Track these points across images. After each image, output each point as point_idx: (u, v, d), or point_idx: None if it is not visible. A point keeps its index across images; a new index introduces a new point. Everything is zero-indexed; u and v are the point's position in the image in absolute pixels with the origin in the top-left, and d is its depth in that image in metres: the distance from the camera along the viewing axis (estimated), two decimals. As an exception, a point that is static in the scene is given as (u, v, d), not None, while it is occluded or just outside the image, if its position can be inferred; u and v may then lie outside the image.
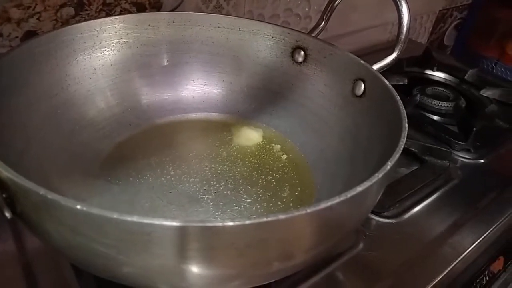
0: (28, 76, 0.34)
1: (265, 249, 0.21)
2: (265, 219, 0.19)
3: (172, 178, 0.38)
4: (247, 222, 0.19)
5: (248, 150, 0.43)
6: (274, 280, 0.27)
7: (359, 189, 0.22)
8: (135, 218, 0.18)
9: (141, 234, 0.19)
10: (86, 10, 0.44)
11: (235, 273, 0.23)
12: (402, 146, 0.26)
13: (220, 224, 0.19)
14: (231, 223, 0.19)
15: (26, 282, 0.32)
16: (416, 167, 0.48)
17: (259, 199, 0.38)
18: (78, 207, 0.18)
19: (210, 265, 0.21)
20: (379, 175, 0.23)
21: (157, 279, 0.23)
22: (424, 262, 0.37)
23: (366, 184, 0.22)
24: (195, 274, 0.22)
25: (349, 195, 0.21)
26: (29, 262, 0.34)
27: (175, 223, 0.18)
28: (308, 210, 0.20)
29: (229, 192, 0.38)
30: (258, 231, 0.20)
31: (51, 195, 0.19)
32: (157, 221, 0.18)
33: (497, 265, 0.46)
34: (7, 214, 0.22)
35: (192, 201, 0.36)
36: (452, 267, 0.38)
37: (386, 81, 0.35)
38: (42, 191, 0.19)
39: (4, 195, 0.21)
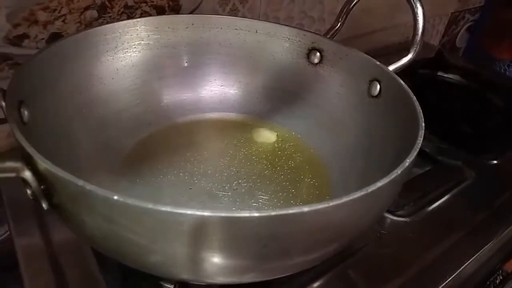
0: (55, 76, 0.35)
1: (287, 241, 0.22)
2: (290, 211, 0.20)
3: (192, 176, 0.40)
4: (273, 213, 0.20)
5: (265, 149, 0.44)
6: (293, 272, 0.28)
7: (379, 184, 0.23)
8: (168, 208, 0.19)
9: (173, 224, 0.20)
10: (109, 13, 0.45)
11: (257, 264, 0.24)
12: (420, 144, 0.27)
13: (247, 214, 0.20)
14: (257, 214, 0.20)
15: (53, 274, 0.33)
16: (429, 167, 0.49)
17: (275, 196, 0.38)
18: (115, 197, 0.20)
19: (234, 255, 0.22)
20: (398, 171, 0.24)
21: (182, 268, 0.24)
22: (438, 261, 0.38)
23: (386, 180, 0.23)
24: (217, 264, 0.23)
25: (369, 190, 0.22)
26: (55, 255, 0.35)
27: (205, 213, 0.19)
28: (331, 203, 0.21)
29: (246, 189, 0.39)
30: (282, 223, 0.21)
31: (89, 186, 0.20)
32: (189, 211, 0.19)
33: (511, 264, 0.46)
34: (44, 205, 0.23)
35: (212, 198, 0.37)
36: (466, 266, 0.38)
37: (402, 81, 0.35)
38: (80, 182, 0.20)
39: (42, 187, 0.23)
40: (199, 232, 0.20)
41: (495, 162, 0.51)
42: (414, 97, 0.33)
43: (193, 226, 0.20)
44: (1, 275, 0.48)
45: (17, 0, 0.39)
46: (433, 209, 0.44)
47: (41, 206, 0.23)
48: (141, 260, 0.24)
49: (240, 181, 0.40)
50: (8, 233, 0.51)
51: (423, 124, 0.29)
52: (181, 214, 0.19)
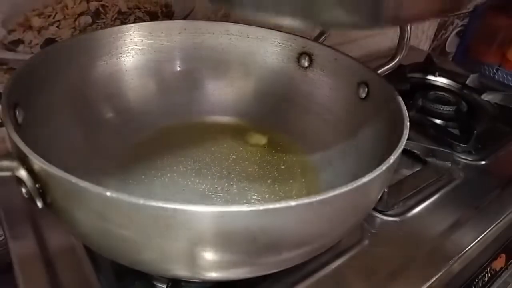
0: (50, 80, 0.36)
1: (276, 234, 0.23)
2: (278, 205, 0.21)
3: (185, 177, 0.40)
4: (261, 207, 0.21)
5: (256, 152, 0.45)
6: (284, 268, 0.28)
7: (364, 179, 0.23)
8: (160, 203, 0.20)
9: (164, 218, 0.21)
10: (102, 18, 0.46)
11: (248, 258, 0.24)
12: (404, 142, 0.28)
13: (237, 208, 0.20)
14: (246, 208, 0.21)
15: (48, 277, 0.34)
16: (419, 168, 0.49)
17: (267, 197, 0.39)
18: (108, 193, 0.20)
19: (225, 249, 0.23)
20: (383, 167, 0.25)
21: (174, 264, 0.24)
22: (427, 259, 0.39)
23: (371, 175, 0.24)
24: (210, 258, 0.23)
25: (355, 185, 0.23)
26: (50, 258, 0.35)
27: (197, 208, 0.20)
28: (318, 198, 0.21)
29: (238, 190, 0.40)
30: (271, 216, 0.22)
31: (82, 183, 0.21)
32: (179, 206, 0.20)
33: (499, 262, 0.47)
34: (39, 204, 0.24)
35: (204, 199, 0.38)
36: (454, 263, 0.39)
37: (388, 83, 0.37)
38: (74, 179, 0.21)
39: (37, 186, 0.23)
40: (190, 227, 0.21)
41: (483, 163, 0.52)
42: (400, 97, 0.34)
43: (184, 220, 0.21)
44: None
45: (12, 6, 0.40)
46: (423, 208, 0.45)
47: (36, 205, 0.24)
48: (134, 257, 0.25)
49: (232, 182, 0.41)
50: (2, 237, 0.51)
51: (408, 124, 0.30)
52: (172, 209, 0.20)
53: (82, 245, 0.36)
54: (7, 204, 0.40)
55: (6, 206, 0.40)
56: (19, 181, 0.23)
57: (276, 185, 0.41)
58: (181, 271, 0.25)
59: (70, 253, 0.36)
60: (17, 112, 0.29)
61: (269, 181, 0.41)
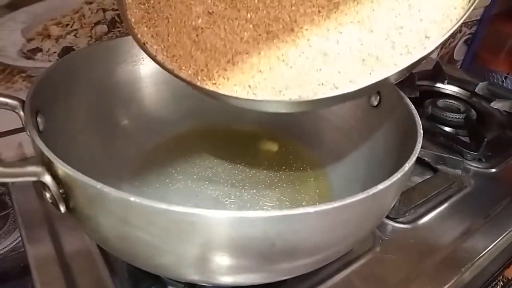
0: (68, 87, 0.37)
1: (294, 240, 0.23)
2: (295, 211, 0.21)
3: (199, 184, 0.41)
4: (280, 213, 0.21)
5: (269, 158, 0.46)
6: (299, 274, 0.29)
7: (380, 187, 0.24)
8: (181, 209, 0.21)
9: (185, 223, 0.21)
10: (118, 27, 0.47)
11: (265, 264, 0.25)
12: (418, 150, 0.28)
13: (256, 214, 0.21)
14: (264, 214, 0.21)
15: (65, 281, 0.34)
16: (429, 176, 0.50)
17: (279, 203, 0.40)
18: (131, 198, 0.21)
19: (243, 254, 0.23)
20: (399, 175, 0.25)
21: (192, 268, 0.25)
22: (438, 266, 0.39)
23: (387, 183, 0.24)
24: (226, 263, 0.24)
25: (371, 192, 0.23)
26: (67, 262, 0.36)
27: (216, 213, 0.21)
28: (335, 205, 0.22)
29: (251, 196, 0.40)
30: (289, 223, 0.22)
31: (107, 189, 0.21)
32: (200, 211, 0.21)
33: (511, 271, 0.47)
34: (62, 209, 0.25)
35: (217, 204, 0.39)
36: (466, 272, 0.39)
37: (400, 91, 0.37)
38: (99, 185, 0.21)
39: (61, 191, 0.24)
40: (210, 232, 0.21)
41: (493, 170, 0.52)
42: (412, 106, 0.34)
43: (205, 225, 0.21)
44: (13, 285, 0.49)
45: (31, 16, 0.41)
46: (434, 216, 0.45)
47: (59, 209, 0.25)
48: (153, 261, 0.25)
49: (244, 189, 0.41)
50: (16, 242, 0.52)
51: (421, 131, 0.30)
52: (193, 214, 0.21)
53: (98, 249, 0.37)
54: (24, 208, 0.41)
55: (23, 211, 0.41)
56: (44, 186, 0.24)
57: (288, 191, 0.41)
58: (198, 275, 0.26)
59: (86, 257, 0.36)
60: (38, 119, 0.30)
61: (281, 188, 0.42)
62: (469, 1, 0.25)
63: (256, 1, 0.28)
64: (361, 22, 0.26)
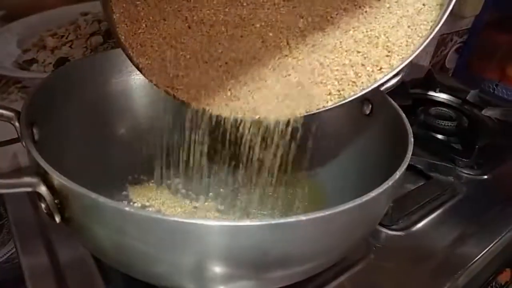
0: (64, 98, 0.37)
1: (287, 249, 0.24)
2: (288, 219, 0.22)
3: (193, 192, 0.41)
4: (273, 221, 0.22)
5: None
6: (293, 282, 0.29)
7: (372, 194, 0.24)
8: (176, 218, 0.21)
9: (180, 233, 0.21)
10: (113, 38, 0.47)
11: (259, 272, 0.25)
12: (409, 158, 0.29)
13: (250, 223, 0.21)
14: (258, 223, 0.21)
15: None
16: (422, 183, 0.50)
17: (271, 212, 0.40)
18: (127, 209, 0.21)
19: (238, 262, 0.24)
20: (390, 183, 0.26)
21: (187, 276, 0.25)
22: (432, 273, 0.39)
23: (378, 190, 0.25)
24: (220, 272, 0.24)
25: (363, 200, 0.24)
26: (61, 272, 0.36)
27: (211, 223, 0.21)
28: (327, 212, 0.22)
29: (245, 205, 0.40)
30: (282, 231, 0.22)
31: (102, 199, 0.21)
32: (195, 221, 0.21)
33: (504, 276, 0.47)
34: (57, 219, 0.25)
35: (211, 213, 0.39)
36: (459, 278, 0.39)
37: (391, 100, 0.38)
38: (94, 195, 0.22)
39: (56, 201, 0.24)
40: (205, 241, 0.22)
41: (485, 177, 0.53)
42: (403, 114, 0.35)
43: (199, 234, 0.21)
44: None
45: (27, 27, 0.41)
46: (427, 223, 0.45)
47: (54, 220, 0.25)
48: (148, 270, 0.25)
49: (237, 198, 0.41)
50: (10, 253, 0.51)
51: (412, 140, 0.31)
52: (187, 223, 0.21)
53: (92, 259, 0.37)
54: (18, 219, 0.41)
55: (17, 221, 0.41)
56: (39, 196, 0.24)
57: (281, 201, 0.41)
58: (192, 284, 0.26)
59: (81, 267, 0.36)
60: (34, 130, 0.30)
61: (273, 197, 0.42)
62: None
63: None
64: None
